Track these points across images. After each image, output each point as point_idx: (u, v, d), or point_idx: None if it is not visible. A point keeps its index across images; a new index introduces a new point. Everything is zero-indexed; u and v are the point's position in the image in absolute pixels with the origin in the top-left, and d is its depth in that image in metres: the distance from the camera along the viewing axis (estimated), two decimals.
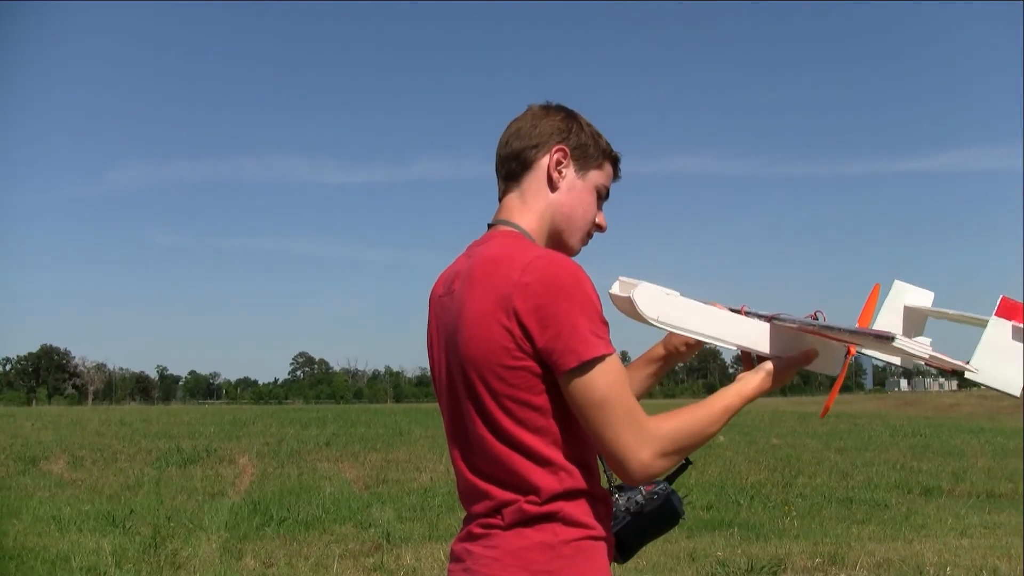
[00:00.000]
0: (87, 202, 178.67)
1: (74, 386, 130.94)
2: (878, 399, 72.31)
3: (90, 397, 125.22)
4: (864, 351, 1.54)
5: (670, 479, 1.64)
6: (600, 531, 1.34)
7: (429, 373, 1.53)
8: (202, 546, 7.06)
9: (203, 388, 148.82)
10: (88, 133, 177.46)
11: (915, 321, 1.74)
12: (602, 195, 1.54)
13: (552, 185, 1.47)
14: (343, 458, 15.61)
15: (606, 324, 1.31)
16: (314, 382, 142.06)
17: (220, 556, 6.73)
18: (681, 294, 1.52)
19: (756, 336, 1.51)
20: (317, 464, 14.46)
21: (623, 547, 1.54)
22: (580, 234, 1.51)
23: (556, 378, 1.28)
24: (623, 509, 1.56)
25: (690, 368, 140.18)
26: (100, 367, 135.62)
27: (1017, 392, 1.35)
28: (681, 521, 1.65)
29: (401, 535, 7.61)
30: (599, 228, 1.54)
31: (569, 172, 1.48)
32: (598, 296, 1.30)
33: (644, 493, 1.59)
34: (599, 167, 1.51)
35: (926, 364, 1.43)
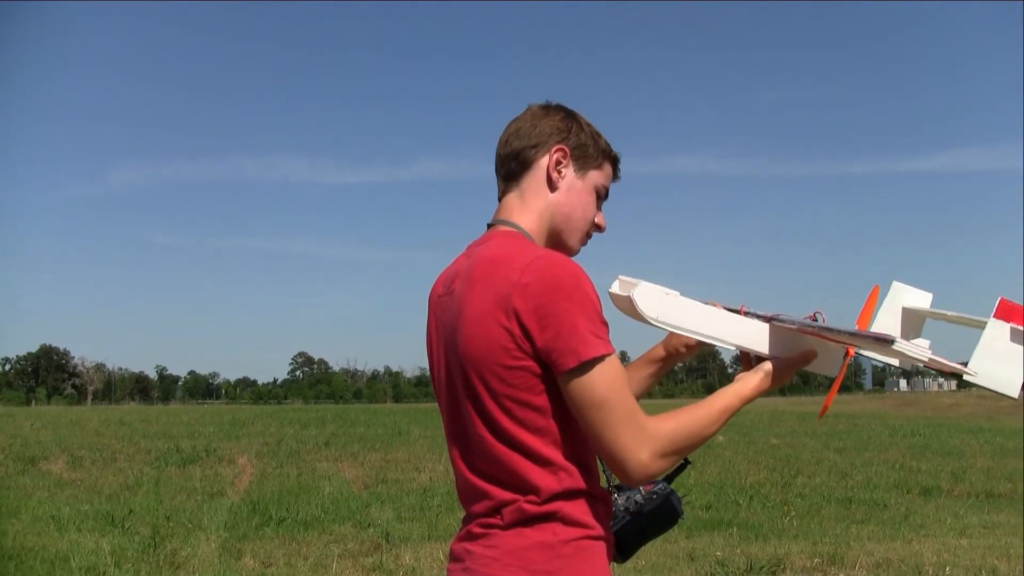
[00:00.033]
0: (87, 202, 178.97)
1: (73, 386, 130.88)
2: (877, 399, 72.31)
3: (89, 397, 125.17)
4: (863, 352, 1.55)
5: (669, 479, 1.64)
6: (599, 531, 1.34)
7: (428, 373, 1.53)
8: (201, 546, 7.05)
9: (202, 388, 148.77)
10: (88, 133, 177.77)
11: (913, 322, 1.74)
12: (601, 195, 1.54)
13: (551, 185, 1.47)
14: (342, 458, 15.61)
15: (606, 324, 1.31)
16: (313, 382, 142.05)
17: (219, 556, 6.73)
18: (681, 294, 1.53)
19: (755, 336, 1.51)
20: (316, 464, 14.46)
21: (622, 547, 1.55)
22: (579, 234, 1.51)
23: (556, 378, 1.29)
24: (622, 509, 1.57)
25: (689, 368, 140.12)
26: (99, 367, 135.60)
27: (1015, 394, 1.35)
28: (680, 521, 1.65)
29: (400, 535, 7.61)
30: (598, 228, 1.54)
31: (568, 172, 1.48)
32: (598, 296, 1.31)
33: (643, 493, 1.59)
34: (599, 167, 1.51)
35: (925, 366, 1.43)
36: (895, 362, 1.57)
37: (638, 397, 1.65)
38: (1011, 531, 7.90)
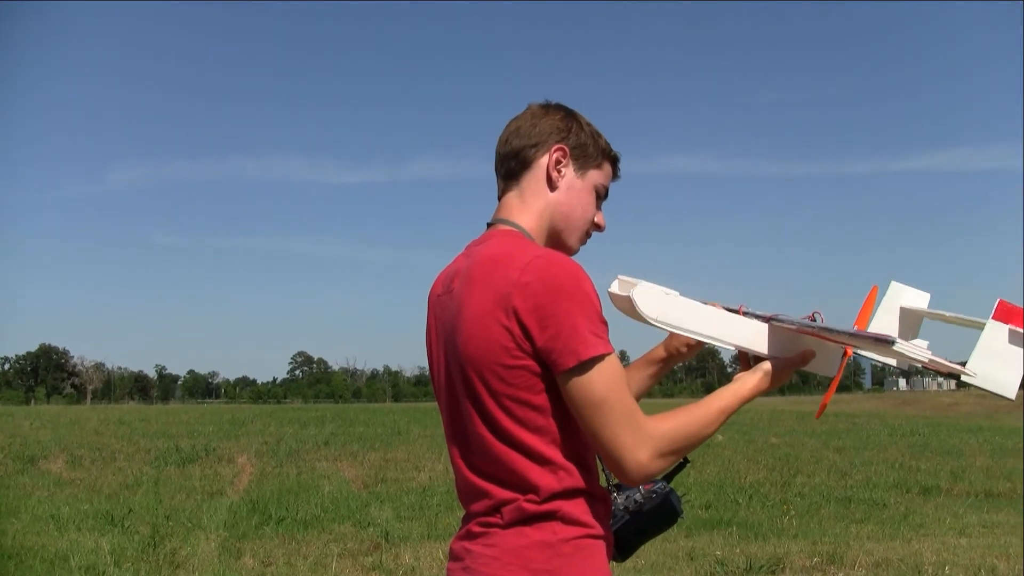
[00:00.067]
0: (87, 202, 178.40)
1: (73, 385, 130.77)
2: (876, 398, 72.35)
3: (89, 396, 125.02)
4: (862, 352, 1.55)
5: (668, 478, 1.64)
6: (599, 530, 1.34)
7: (428, 372, 1.53)
8: (201, 545, 7.06)
9: (202, 387, 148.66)
10: (88, 133, 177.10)
11: (911, 322, 1.74)
12: (601, 195, 1.54)
13: (551, 184, 1.48)
14: (342, 457, 15.62)
15: (605, 324, 1.31)
16: (313, 381, 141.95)
17: (219, 555, 6.73)
18: (681, 294, 1.53)
19: (754, 336, 1.51)
20: (316, 463, 14.47)
21: (622, 546, 1.55)
22: (579, 233, 1.51)
23: (555, 377, 1.29)
24: (622, 508, 1.57)
25: (689, 367, 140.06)
26: (99, 366, 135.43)
27: (1012, 395, 1.36)
28: (680, 520, 1.66)
29: (400, 534, 7.62)
30: (598, 228, 1.54)
31: (568, 171, 1.48)
32: (598, 296, 1.31)
33: (643, 492, 1.59)
34: (598, 167, 1.51)
35: (924, 367, 1.44)
36: (893, 362, 1.58)
37: (638, 397, 1.65)
38: (1010, 530, 7.91)
